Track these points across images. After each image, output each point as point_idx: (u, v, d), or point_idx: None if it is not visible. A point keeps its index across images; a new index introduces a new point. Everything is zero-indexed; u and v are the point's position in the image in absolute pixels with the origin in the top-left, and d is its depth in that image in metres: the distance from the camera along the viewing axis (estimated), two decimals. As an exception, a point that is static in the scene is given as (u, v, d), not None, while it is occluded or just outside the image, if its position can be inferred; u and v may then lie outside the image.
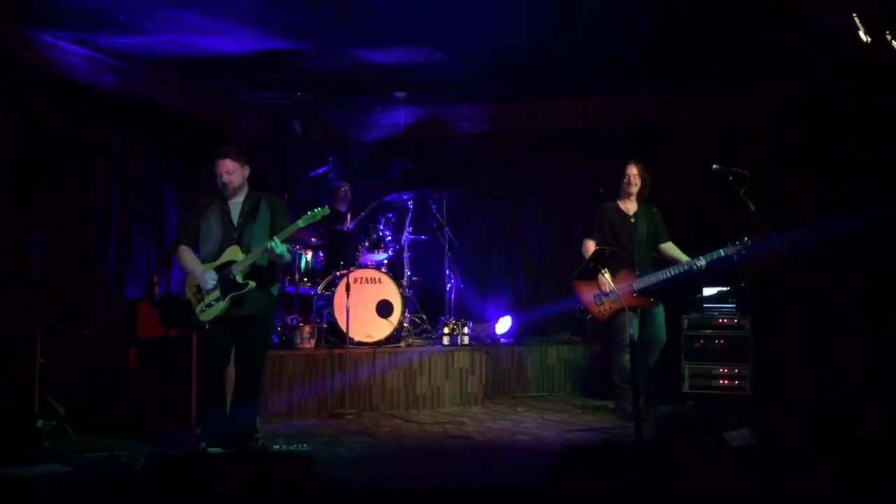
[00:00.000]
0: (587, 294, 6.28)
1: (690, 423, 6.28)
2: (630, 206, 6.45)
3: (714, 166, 5.83)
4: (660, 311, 6.34)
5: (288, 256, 5.09)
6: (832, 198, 6.67)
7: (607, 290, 6.04)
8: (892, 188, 6.11)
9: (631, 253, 6.31)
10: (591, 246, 6.29)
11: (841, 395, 6.04)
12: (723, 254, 5.99)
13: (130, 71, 7.36)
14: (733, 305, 6.97)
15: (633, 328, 5.82)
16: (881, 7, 5.38)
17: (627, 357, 5.80)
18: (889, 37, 5.49)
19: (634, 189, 6.39)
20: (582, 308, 6.35)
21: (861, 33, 5.50)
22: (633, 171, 6.37)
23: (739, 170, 5.80)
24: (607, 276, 5.67)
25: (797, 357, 6.61)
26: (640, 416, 4.95)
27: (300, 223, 5.15)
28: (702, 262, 6.05)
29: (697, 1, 5.79)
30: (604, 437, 5.65)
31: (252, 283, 4.99)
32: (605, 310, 6.22)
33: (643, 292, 6.20)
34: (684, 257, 6.23)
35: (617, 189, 6.47)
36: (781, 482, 4.26)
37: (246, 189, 5.20)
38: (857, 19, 5.44)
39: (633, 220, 6.38)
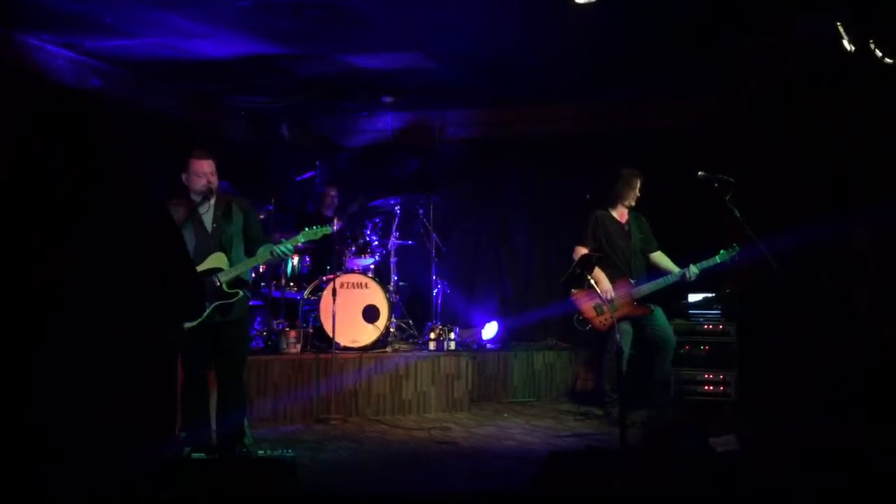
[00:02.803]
0: (586, 304, 6.22)
1: (675, 429, 6.29)
2: (623, 215, 6.43)
3: (700, 173, 5.86)
4: (660, 313, 6.31)
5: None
6: (817, 205, 6.71)
7: (607, 298, 6.03)
8: (878, 195, 6.15)
9: (627, 261, 6.30)
10: (582, 253, 6.17)
11: (826, 402, 6.06)
12: (718, 261, 5.99)
13: (117, 74, 7.33)
14: (718, 312, 6.99)
15: (621, 335, 5.81)
16: (865, 16, 5.42)
17: (623, 361, 5.75)
18: (873, 45, 5.54)
19: (635, 201, 6.38)
20: (581, 318, 6.27)
21: (845, 42, 5.54)
22: (639, 184, 6.36)
23: (725, 177, 5.84)
24: (594, 282, 5.66)
25: (782, 364, 6.64)
26: (626, 423, 4.94)
27: (300, 238, 5.14)
28: (694, 270, 6.05)
29: (684, 9, 5.82)
30: (590, 443, 5.66)
31: (241, 293, 5.00)
32: (605, 320, 6.15)
33: (642, 301, 6.19)
34: (675, 267, 6.23)
35: (612, 197, 6.43)
36: (765, 487, 4.27)
37: (216, 195, 5.13)
38: (841, 28, 5.48)
39: (626, 228, 6.37)
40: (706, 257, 6.09)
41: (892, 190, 6.05)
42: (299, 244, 5.30)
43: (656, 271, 6.33)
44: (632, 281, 6.23)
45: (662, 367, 6.30)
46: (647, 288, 6.19)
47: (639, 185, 6.37)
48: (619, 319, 5.98)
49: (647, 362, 6.38)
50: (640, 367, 6.44)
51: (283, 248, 5.05)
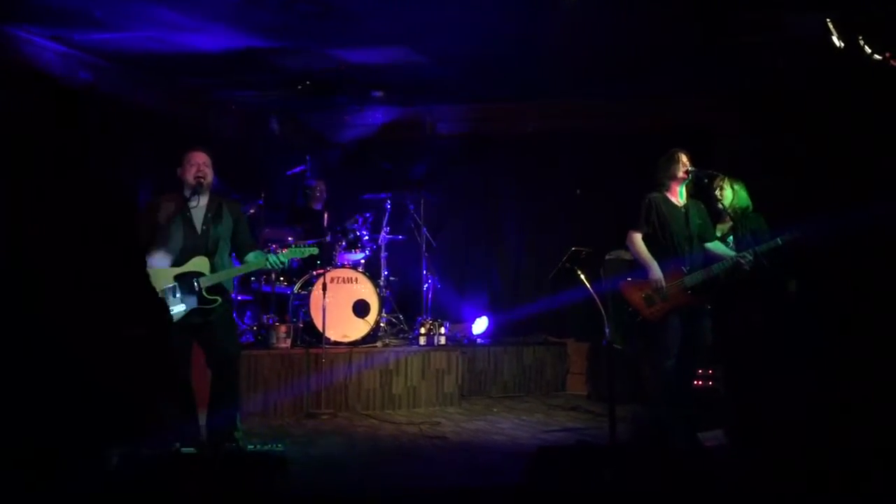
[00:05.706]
0: (636, 295, 5.75)
1: (663, 423, 6.30)
2: (679, 198, 5.88)
3: (690, 168, 5.82)
4: (708, 312, 5.84)
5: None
6: (807, 201, 6.75)
7: (658, 286, 5.60)
8: (869, 191, 6.18)
9: (683, 247, 5.76)
10: (638, 239, 5.74)
11: (811, 396, 6.10)
12: (780, 242, 5.59)
13: (106, 68, 7.29)
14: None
15: (669, 331, 5.61)
16: (854, 13, 5.45)
17: (671, 365, 5.52)
18: (862, 42, 5.56)
19: (686, 177, 5.82)
20: (631, 310, 5.79)
21: (834, 39, 5.56)
22: (685, 157, 5.82)
23: (714, 172, 5.82)
24: (647, 268, 5.53)
25: (769, 358, 6.67)
26: (616, 420, 4.93)
27: (287, 255, 5.12)
28: (749, 257, 5.63)
29: (675, 8, 5.83)
30: (579, 438, 5.68)
31: (219, 299, 4.99)
32: (656, 310, 5.69)
33: (696, 289, 5.69)
34: (731, 252, 5.80)
35: (664, 179, 5.88)
36: (754, 482, 4.30)
37: (208, 193, 5.09)
38: (830, 25, 5.50)
39: (683, 211, 5.82)
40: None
41: (889, 189, 6.06)
42: (283, 264, 5.21)
43: (711, 260, 5.80)
44: (684, 269, 5.70)
45: (688, 369, 5.85)
46: (700, 276, 5.68)
47: (686, 160, 5.84)
48: (672, 310, 5.63)
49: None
50: (630, 362, 6.42)
51: (277, 258, 5.04)
